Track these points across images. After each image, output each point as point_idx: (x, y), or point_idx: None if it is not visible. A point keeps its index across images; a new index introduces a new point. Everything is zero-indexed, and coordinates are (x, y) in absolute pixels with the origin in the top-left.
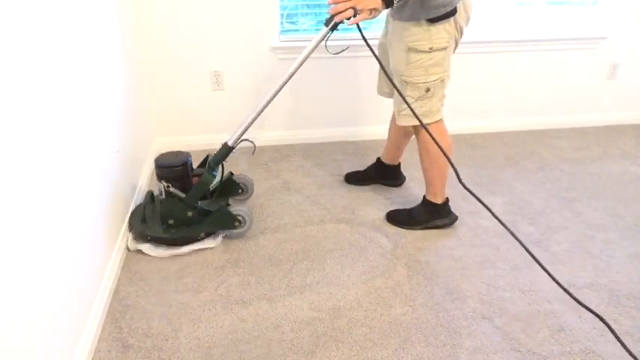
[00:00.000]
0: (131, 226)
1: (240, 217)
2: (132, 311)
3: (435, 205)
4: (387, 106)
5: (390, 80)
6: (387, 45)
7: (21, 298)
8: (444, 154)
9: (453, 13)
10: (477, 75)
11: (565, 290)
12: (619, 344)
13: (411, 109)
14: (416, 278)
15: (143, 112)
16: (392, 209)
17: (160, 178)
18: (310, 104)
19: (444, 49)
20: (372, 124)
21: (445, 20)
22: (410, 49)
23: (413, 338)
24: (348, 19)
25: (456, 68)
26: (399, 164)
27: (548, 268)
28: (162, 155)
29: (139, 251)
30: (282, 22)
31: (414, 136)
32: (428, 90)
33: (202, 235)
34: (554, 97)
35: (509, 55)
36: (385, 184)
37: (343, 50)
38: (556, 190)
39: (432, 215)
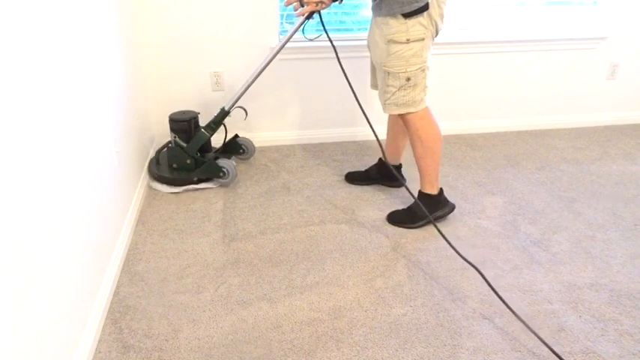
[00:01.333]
0: (148, 168)
1: (224, 169)
2: (132, 312)
3: (432, 196)
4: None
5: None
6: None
7: (21, 298)
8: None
9: (425, 8)
10: (477, 75)
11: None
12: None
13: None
14: (416, 278)
15: (143, 112)
16: (392, 211)
17: (170, 129)
18: (310, 104)
19: (421, 40)
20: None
21: (419, 15)
22: (389, 41)
23: (413, 338)
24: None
25: (456, 68)
26: (400, 165)
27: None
28: (174, 112)
29: (153, 188)
30: (281, 23)
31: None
32: (409, 79)
33: (196, 179)
34: (554, 97)
35: (510, 55)
36: (387, 185)
37: (317, 37)
38: (556, 190)
39: (431, 208)
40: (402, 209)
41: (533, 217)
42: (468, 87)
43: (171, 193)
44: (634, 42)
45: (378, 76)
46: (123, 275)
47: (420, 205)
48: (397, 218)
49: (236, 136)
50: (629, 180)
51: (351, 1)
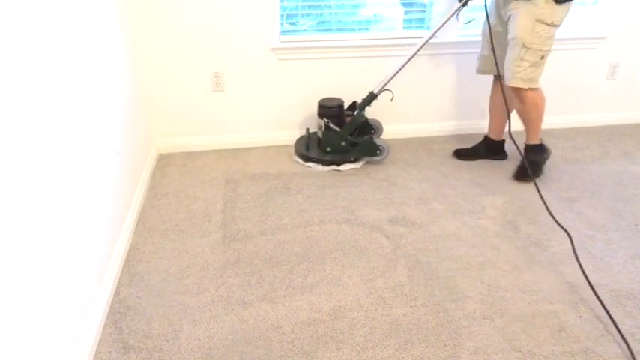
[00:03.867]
0: (297, 152)
1: (381, 147)
2: (132, 312)
3: (539, 145)
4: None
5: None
6: (500, 27)
7: (21, 299)
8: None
9: None
10: (477, 75)
11: None
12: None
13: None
14: (416, 278)
15: (143, 113)
16: (515, 173)
17: (321, 116)
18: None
19: (557, 26)
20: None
21: (567, 2)
22: (537, 20)
23: (413, 338)
24: None
25: (456, 68)
26: (504, 140)
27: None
28: (323, 99)
29: (308, 167)
30: (282, 23)
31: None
32: (542, 57)
33: (352, 159)
34: (554, 97)
35: None
36: (493, 159)
37: (470, 21)
38: (556, 190)
39: (541, 154)
40: (521, 167)
41: (533, 217)
42: (469, 87)
43: (332, 171)
44: (634, 42)
45: (512, 50)
46: (123, 275)
47: (537, 155)
48: (525, 174)
49: (365, 118)
50: (629, 180)
51: (351, 1)
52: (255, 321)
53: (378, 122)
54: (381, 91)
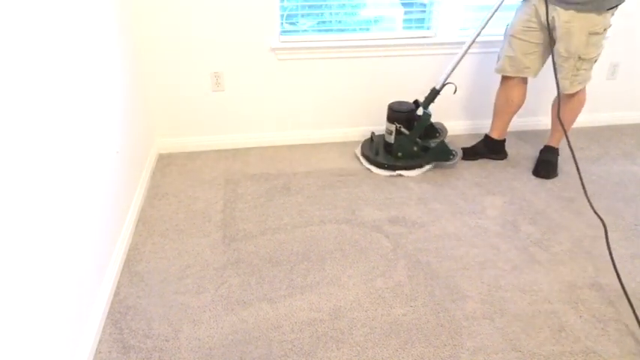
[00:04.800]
0: (366, 157)
1: (454, 152)
2: (132, 312)
3: (558, 149)
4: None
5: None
6: (552, 29)
7: (21, 299)
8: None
9: (622, 1)
10: (477, 75)
11: None
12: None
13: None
14: (416, 278)
15: (143, 113)
16: (541, 170)
17: (392, 120)
18: (312, 104)
19: (607, 30)
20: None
21: (615, 8)
22: (591, 34)
23: (414, 338)
24: None
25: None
26: (505, 140)
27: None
28: (393, 103)
29: (398, 175)
30: (282, 23)
31: None
32: (596, 61)
33: (424, 164)
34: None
35: None
36: (494, 158)
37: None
38: (556, 190)
39: (557, 157)
40: (542, 163)
41: (533, 217)
42: (469, 87)
43: (397, 176)
44: (634, 42)
45: (566, 62)
46: (123, 275)
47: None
48: (549, 170)
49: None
50: (629, 180)
51: (351, 1)
52: (255, 321)
53: (441, 124)
54: (443, 85)
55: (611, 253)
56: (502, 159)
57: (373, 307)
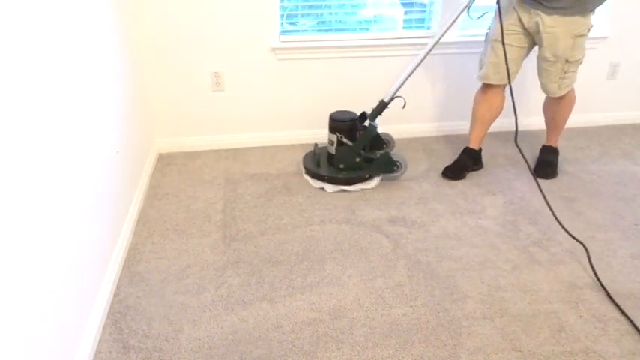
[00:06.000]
0: (307, 170)
1: (398, 163)
2: (132, 312)
3: (555, 147)
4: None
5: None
6: (517, 27)
7: (21, 299)
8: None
9: (604, 1)
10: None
11: None
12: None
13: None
14: (416, 278)
15: (143, 113)
16: (542, 170)
17: (333, 130)
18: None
19: (590, 30)
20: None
21: (598, 7)
22: (576, 36)
23: (413, 338)
24: None
25: (456, 69)
26: (481, 149)
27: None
28: (335, 112)
29: (322, 189)
30: (282, 23)
31: None
32: (581, 63)
33: (367, 176)
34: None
35: None
36: (474, 170)
37: (483, 15)
38: (556, 190)
39: (557, 157)
40: (543, 164)
41: (533, 217)
42: (469, 87)
43: (341, 192)
44: (634, 42)
45: (552, 67)
46: (123, 275)
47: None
48: (548, 171)
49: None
50: (629, 180)
51: (351, 1)
52: (255, 321)
53: (389, 136)
54: (392, 98)
55: (595, 273)
56: (480, 169)
57: (373, 307)
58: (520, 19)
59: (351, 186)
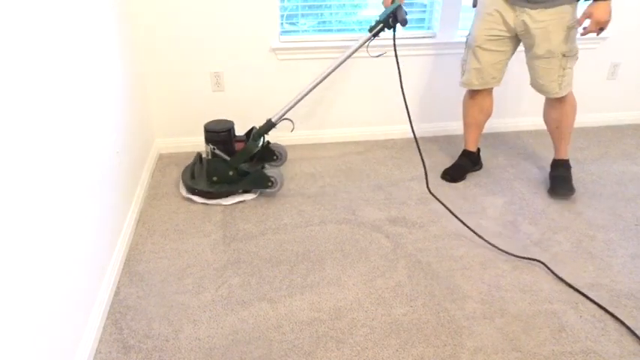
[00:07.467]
0: (183, 181)
1: (272, 179)
2: (132, 312)
3: (567, 160)
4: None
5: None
6: (501, 31)
7: (21, 299)
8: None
9: None
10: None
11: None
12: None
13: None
14: (416, 278)
15: (143, 113)
16: (554, 187)
17: (207, 141)
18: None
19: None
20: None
21: None
22: (569, 28)
23: (414, 338)
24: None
25: (454, 69)
26: (479, 149)
27: (548, 268)
28: (210, 122)
29: (190, 199)
30: (282, 23)
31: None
32: (577, 59)
33: (240, 191)
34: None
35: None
36: (473, 171)
37: (381, 55)
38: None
39: (570, 171)
40: (558, 179)
41: (533, 217)
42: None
43: (213, 205)
44: (634, 42)
45: (549, 64)
46: (123, 275)
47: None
48: (566, 188)
49: (268, 142)
50: (629, 180)
51: (352, 1)
52: (255, 321)
53: (282, 148)
54: (279, 120)
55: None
56: (480, 169)
57: (373, 307)
58: (505, 21)
59: (225, 198)
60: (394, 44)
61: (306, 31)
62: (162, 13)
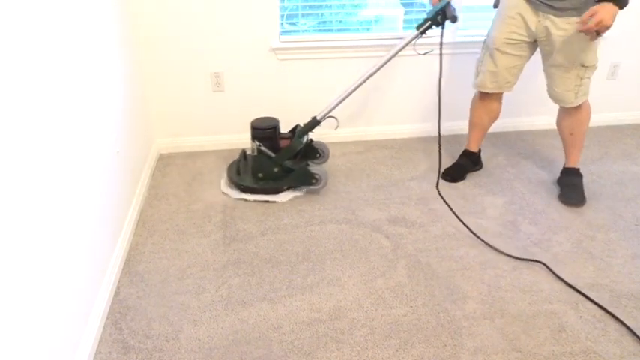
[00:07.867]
0: (229, 178)
1: (317, 176)
2: (132, 312)
3: (579, 169)
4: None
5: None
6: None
7: (21, 299)
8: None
9: None
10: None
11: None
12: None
13: None
14: (416, 279)
15: (143, 113)
16: (566, 195)
17: (253, 138)
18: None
19: None
20: (377, 124)
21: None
22: (590, 38)
23: (414, 339)
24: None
25: (455, 69)
26: (480, 150)
27: (548, 268)
28: (256, 119)
29: (243, 199)
30: (282, 23)
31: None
32: (596, 68)
33: (285, 188)
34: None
35: None
36: (474, 171)
37: (429, 52)
38: (556, 191)
39: (582, 180)
40: (570, 188)
41: (533, 217)
42: (469, 87)
43: (257, 201)
44: (634, 42)
45: (566, 73)
46: (123, 276)
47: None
48: (578, 198)
49: (311, 140)
50: (629, 180)
51: (352, 1)
52: (255, 321)
53: (325, 146)
54: (324, 118)
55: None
56: (480, 169)
57: (373, 307)
58: (527, 25)
59: (276, 195)
60: (441, 42)
61: (306, 31)
62: (163, 13)
